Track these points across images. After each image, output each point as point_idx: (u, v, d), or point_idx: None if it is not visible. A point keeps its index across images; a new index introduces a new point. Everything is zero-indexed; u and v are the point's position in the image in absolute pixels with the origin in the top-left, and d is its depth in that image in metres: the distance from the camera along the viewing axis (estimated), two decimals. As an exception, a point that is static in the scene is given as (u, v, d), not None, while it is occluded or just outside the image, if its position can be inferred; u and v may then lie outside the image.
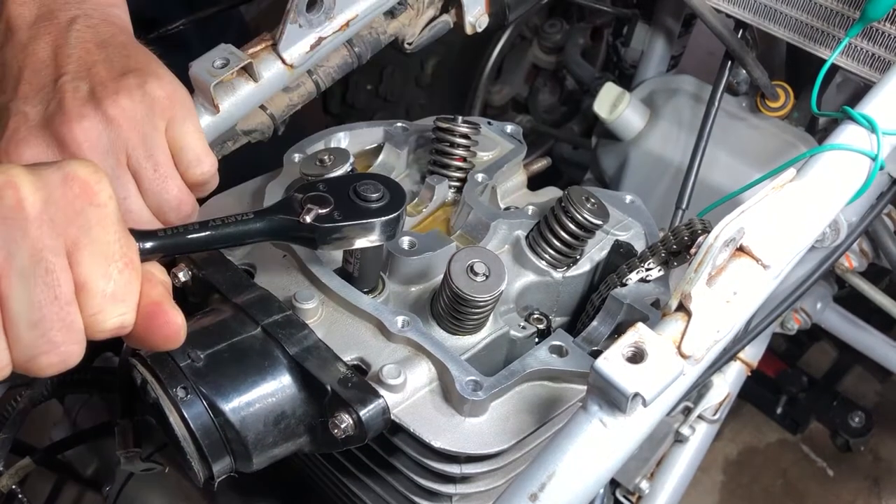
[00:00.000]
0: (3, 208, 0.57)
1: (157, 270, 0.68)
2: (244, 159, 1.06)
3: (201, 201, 0.91)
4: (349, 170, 0.88)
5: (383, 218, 0.76)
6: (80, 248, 0.60)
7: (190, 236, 0.70)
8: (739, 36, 1.35)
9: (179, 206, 0.85)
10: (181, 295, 0.89)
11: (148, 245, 0.67)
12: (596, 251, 0.95)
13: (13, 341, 0.59)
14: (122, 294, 0.62)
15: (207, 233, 0.71)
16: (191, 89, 0.90)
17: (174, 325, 0.66)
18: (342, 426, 0.75)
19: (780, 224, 0.74)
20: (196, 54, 0.94)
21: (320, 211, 0.74)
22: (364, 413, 0.75)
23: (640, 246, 0.95)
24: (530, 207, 0.99)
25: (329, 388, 0.76)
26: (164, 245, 0.69)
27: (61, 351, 0.60)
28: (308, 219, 0.74)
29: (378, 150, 1.04)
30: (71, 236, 0.60)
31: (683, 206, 1.28)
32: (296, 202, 0.75)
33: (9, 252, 0.57)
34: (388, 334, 0.82)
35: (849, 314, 1.85)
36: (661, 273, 0.88)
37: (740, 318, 0.72)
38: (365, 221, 0.76)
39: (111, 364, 1.15)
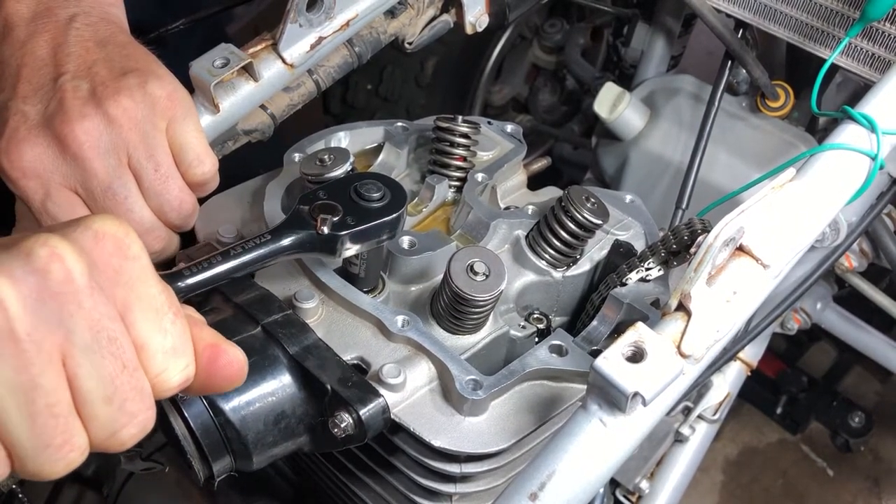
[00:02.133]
0: (52, 283, 0.52)
1: (192, 311, 0.64)
2: (243, 159, 1.06)
3: (201, 201, 0.91)
4: (349, 169, 0.89)
5: (392, 216, 0.77)
6: (131, 309, 0.56)
7: (215, 270, 0.69)
8: (739, 36, 1.35)
9: (180, 206, 0.85)
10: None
11: (180, 286, 0.66)
12: (596, 251, 0.95)
13: (89, 421, 0.55)
14: (181, 346, 0.59)
15: (231, 263, 0.70)
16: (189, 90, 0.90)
17: (238, 363, 0.63)
18: (342, 425, 0.75)
19: (779, 224, 0.74)
20: (181, 56, 0.94)
21: (334, 219, 0.74)
22: (364, 412, 0.75)
23: (639, 245, 0.95)
24: (530, 207, 0.99)
25: (329, 387, 0.76)
26: (194, 284, 0.68)
27: (139, 420, 0.57)
28: (326, 229, 0.74)
29: (378, 149, 1.04)
30: (119, 298, 0.56)
31: (683, 206, 1.28)
32: (305, 214, 0.75)
33: (68, 329, 0.53)
34: (388, 334, 0.82)
35: (849, 314, 1.85)
36: (661, 273, 0.88)
37: (740, 317, 0.72)
38: (379, 222, 0.76)
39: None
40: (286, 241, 0.73)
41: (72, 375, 0.53)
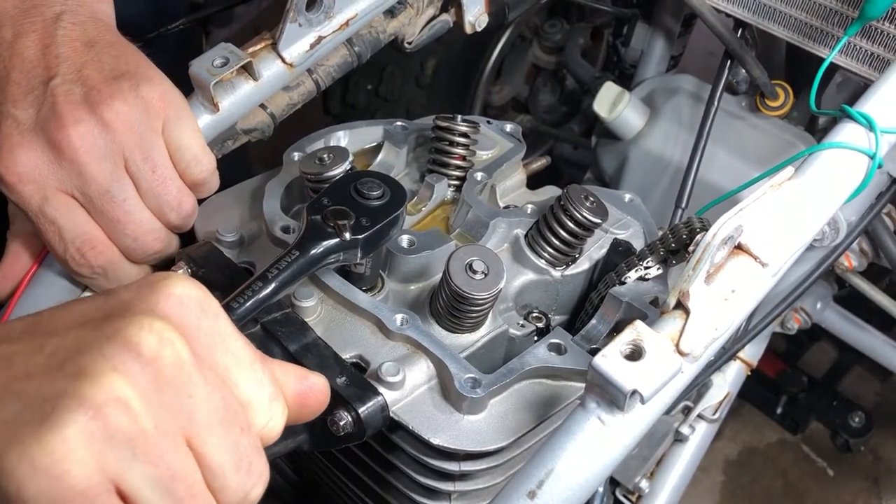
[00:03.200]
0: (166, 370, 0.51)
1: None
2: (243, 158, 1.06)
3: (200, 201, 0.91)
4: (348, 168, 0.89)
5: (396, 212, 0.78)
6: (229, 370, 0.55)
7: (259, 295, 0.70)
8: (739, 35, 1.35)
9: (180, 206, 0.85)
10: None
11: (233, 320, 0.66)
12: (595, 250, 0.95)
13: (221, 492, 0.53)
14: (276, 391, 0.58)
15: (272, 285, 0.71)
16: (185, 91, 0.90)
17: (324, 389, 0.63)
18: (341, 423, 0.75)
19: (778, 222, 0.74)
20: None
21: (350, 223, 0.75)
22: (363, 410, 0.75)
23: (638, 244, 0.95)
24: (529, 206, 0.99)
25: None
26: (242, 314, 0.68)
27: (265, 478, 0.56)
28: (348, 235, 0.75)
29: (377, 148, 1.04)
30: (219, 363, 0.55)
31: (683, 205, 1.28)
32: (320, 224, 0.75)
33: (188, 411, 0.51)
34: (387, 332, 0.82)
35: (849, 314, 1.85)
36: (660, 271, 0.88)
37: (738, 315, 0.72)
38: (390, 219, 0.77)
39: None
40: (315, 253, 0.74)
41: (200, 454, 0.52)
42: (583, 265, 0.94)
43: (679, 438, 1.51)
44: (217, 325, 0.56)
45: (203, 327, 0.55)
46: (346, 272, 0.86)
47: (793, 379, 2.21)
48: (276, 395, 0.58)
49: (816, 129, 1.49)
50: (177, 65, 0.91)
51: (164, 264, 0.90)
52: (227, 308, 0.68)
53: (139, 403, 0.49)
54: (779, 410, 2.23)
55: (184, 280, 0.55)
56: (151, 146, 0.82)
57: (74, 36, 0.83)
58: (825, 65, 1.04)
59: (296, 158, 0.99)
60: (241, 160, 1.04)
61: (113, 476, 0.48)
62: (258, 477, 0.55)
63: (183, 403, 0.51)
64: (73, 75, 0.80)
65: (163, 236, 0.86)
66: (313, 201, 0.78)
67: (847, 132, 0.83)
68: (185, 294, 0.54)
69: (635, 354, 0.65)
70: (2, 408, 0.48)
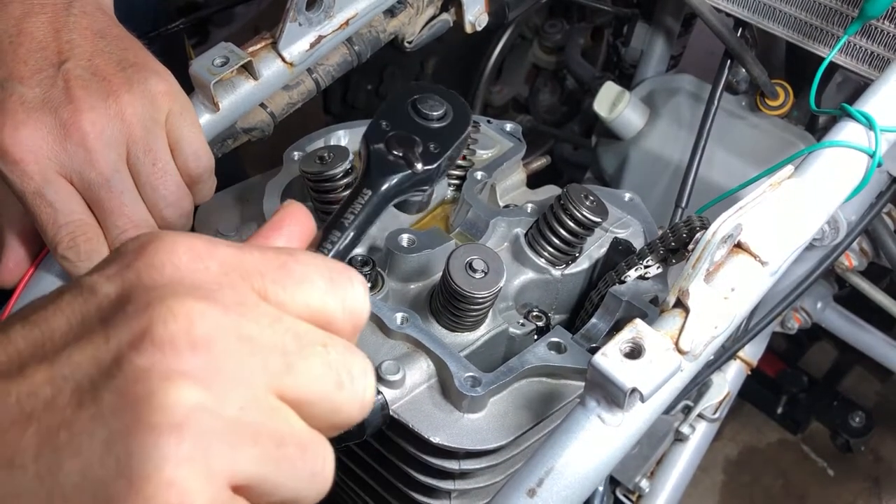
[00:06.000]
0: (215, 344, 0.43)
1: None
2: (242, 158, 1.06)
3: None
4: (348, 167, 0.89)
5: (463, 134, 0.70)
6: (285, 302, 0.47)
7: (339, 247, 0.61)
8: (739, 35, 1.35)
9: (178, 202, 0.85)
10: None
11: None
12: (595, 249, 0.95)
13: (335, 414, 0.48)
14: (338, 268, 0.51)
15: (350, 234, 0.62)
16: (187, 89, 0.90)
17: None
18: (341, 422, 0.75)
19: (777, 220, 0.74)
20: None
21: (420, 150, 0.67)
22: (363, 409, 0.75)
23: (638, 243, 0.95)
24: (529, 205, 0.99)
25: (328, 384, 0.76)
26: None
27: (369, 371, 0.50)
28: (420, 167, 0.67)
29: (377, 148, 1.04)
30: (274, 296, 0.47)
31: (683, 205, 1.28)
32: (384, 154, 0.67)
33: (260, 369, 0.44)
34: (386, 331, 0.82)
35: (849, 314, 1.85)
36: (660, 270, 0.88)
37: (738, 314, 0.72)
38: (458, 142, 0.70)
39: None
40: (387, 191, 0.65)
41: (295, 399, 0.46)
42: (583, 264, 0.94)
43: (679, 438, 1.51)
44: (235, 257, 0.47)
45: (220, 280, 0.45)
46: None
47: (793, 379, 2.21)
48: (339, 273, 0.50)
49: (817, 128, 1.49)
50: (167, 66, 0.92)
51: None
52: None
53: (213, 398, 0.42)
54: (779, 410, 2.23)
55: (167, 239, 0.45)
56: (154, 138, 0.82)
57: (85, 24, 0.83)
58: (825, 64, 1.04)
59: (296, 158, 0.99)
60: (238, 161, 1.04)
61: (228, 482, 0.42)
62: (363, 376, 0.49)
63: (250, 366, 0.44)
64: (85, 62, 0.81)
65: None
66: (372, 126, 0.69)
67: (847, 131, 0.83)
68: (178, 252, 0.45)
69: (635, 353, 0.65)
70: (64, 472, 0.40)
